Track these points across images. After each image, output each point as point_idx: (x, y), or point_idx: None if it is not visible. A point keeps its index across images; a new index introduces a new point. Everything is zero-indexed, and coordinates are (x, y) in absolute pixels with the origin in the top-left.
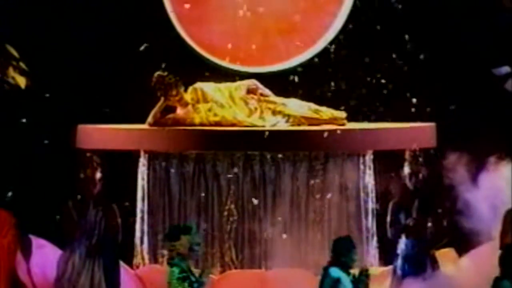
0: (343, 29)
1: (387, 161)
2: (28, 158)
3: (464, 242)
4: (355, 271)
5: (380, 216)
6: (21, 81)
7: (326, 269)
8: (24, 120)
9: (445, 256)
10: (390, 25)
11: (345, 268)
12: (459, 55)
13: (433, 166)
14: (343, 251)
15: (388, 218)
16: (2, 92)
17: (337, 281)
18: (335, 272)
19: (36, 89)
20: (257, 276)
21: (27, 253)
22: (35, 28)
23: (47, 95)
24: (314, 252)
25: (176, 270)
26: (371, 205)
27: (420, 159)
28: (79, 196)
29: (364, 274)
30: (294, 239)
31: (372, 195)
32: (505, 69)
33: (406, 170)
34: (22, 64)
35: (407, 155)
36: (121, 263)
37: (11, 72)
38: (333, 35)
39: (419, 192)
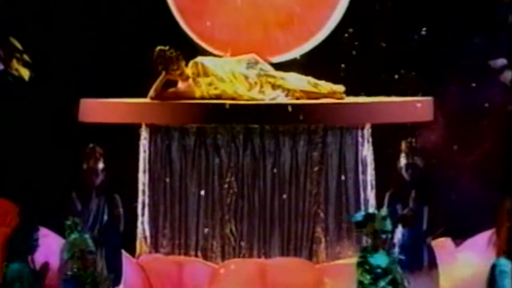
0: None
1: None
2: (32, 149)
3: (460, 232)
4: None
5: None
6: (25, 73)
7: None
8: (27, 112)
9: (442, 245)
10: (387, 18)
11: None
12: (456, 47)
13: (430, 156)
14: None
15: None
16: (6, 83)
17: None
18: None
19: (40, 81)
20: (257, 265)
21: None
22: (38, 21)
23: (51, 86)
24: (310, 224)
25: None
26: (370, 177)
27: (417, 150)
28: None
29: None
30: (292, 212)
31: (370, 168)
32: (501, 61)
33: (403, 161)
34: (25, 56)
35: (403, 146)
36: (123, 253)
37: (15, 64)
38: (332, 27)
39: (416, 182)
